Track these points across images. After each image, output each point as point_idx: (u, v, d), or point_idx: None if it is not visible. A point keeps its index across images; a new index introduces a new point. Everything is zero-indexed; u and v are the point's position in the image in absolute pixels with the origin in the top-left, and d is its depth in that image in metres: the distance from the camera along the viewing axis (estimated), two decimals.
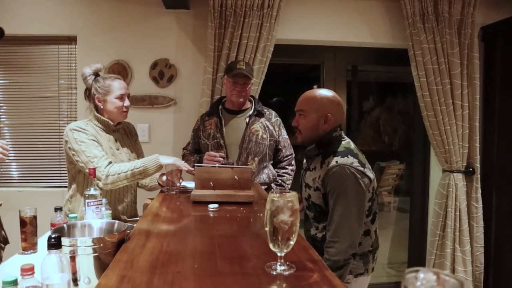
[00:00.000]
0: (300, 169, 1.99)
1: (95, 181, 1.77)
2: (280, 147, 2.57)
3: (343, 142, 1.76)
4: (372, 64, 3.86)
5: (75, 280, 1.13)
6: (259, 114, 2.52)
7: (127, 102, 2.13)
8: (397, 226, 4.30)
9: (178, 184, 2.12)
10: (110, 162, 1.97)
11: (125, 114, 2.15)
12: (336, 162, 1.66)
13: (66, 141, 1.99)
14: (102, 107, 2.08)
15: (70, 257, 1.12)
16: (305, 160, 1.93)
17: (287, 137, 2.61)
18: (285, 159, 2.59)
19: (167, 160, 2.04)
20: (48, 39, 3.07)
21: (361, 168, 1.66)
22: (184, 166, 2.08)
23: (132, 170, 1.96)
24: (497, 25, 3.10)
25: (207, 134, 2.50)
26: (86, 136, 1.98)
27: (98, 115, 2.10)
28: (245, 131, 2.47)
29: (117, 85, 2.09)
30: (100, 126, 2.10)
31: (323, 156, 1.75)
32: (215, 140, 2.46)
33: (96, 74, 2.12)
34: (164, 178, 2.18)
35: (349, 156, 1.68)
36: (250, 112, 2.52)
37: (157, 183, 2.27)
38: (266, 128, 2.50)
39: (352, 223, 1.65)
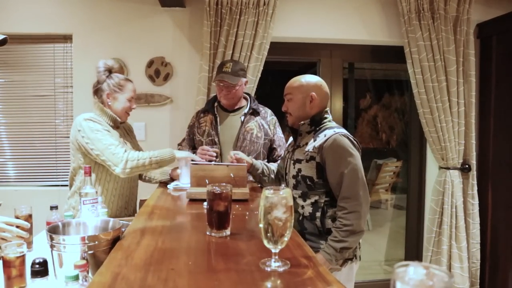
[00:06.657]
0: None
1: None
2: (275, 146, 2.54)
3: (334, 123, 1.88)
4: (369, 61, 3.86)
5: None
6: (254, 113, 2.50)
7: (134, 105, 2.22)
8: (394, 223, 4.32)
9: None
10: (125, 150, 2.00)
11: (127, 116, 2.23)
12: (334, 131, 1.75)
13: (79, 130, 2.00)
14: (110, 103, 2.13)
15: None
16: (291, 140, 2.01)
17: (282, 136, 2.58)
18: (280, 158, 2.55)
19: (180, 153, 2.14)
20: (44, 38, 3.06)
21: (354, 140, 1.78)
22: (198, 159, 2.17)
23: (150, 158, 2.01)
24: (493, 22, 3.10)
25: (202, 131, 2.50)
26: (101, 126, 2.02)
27: (108, 110, 2.12)
28: (240, 129, 2.45)
29: (130, 87, 2.18)
30: (108, 121, 2.12)
31: (316, 132, 1.83)
32: (210, 138, 2.46)
33: (109, 71, 2.16)
34: (178, 171, 2.25)
35: (342, 129, 1.80)
36: (246, 110, 2.50)
37: (169, 177, 2.36)
38: (261, 127, 2.48)
39: (362, 181, 1.70)
